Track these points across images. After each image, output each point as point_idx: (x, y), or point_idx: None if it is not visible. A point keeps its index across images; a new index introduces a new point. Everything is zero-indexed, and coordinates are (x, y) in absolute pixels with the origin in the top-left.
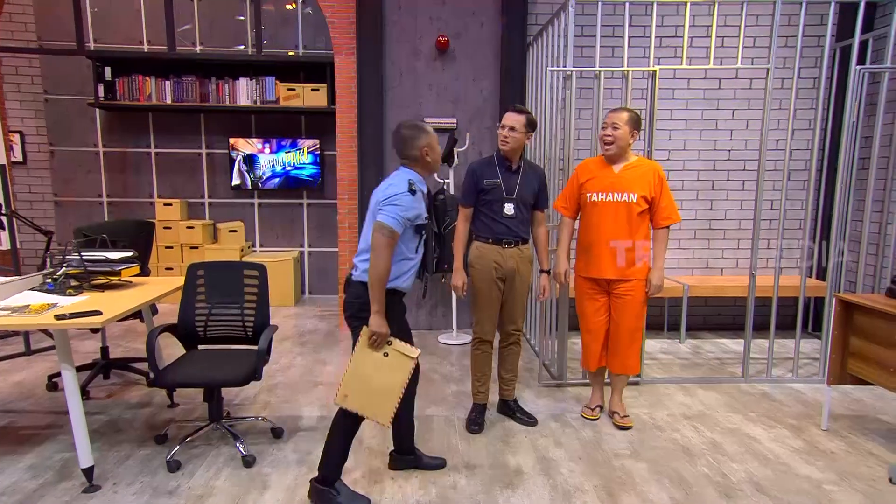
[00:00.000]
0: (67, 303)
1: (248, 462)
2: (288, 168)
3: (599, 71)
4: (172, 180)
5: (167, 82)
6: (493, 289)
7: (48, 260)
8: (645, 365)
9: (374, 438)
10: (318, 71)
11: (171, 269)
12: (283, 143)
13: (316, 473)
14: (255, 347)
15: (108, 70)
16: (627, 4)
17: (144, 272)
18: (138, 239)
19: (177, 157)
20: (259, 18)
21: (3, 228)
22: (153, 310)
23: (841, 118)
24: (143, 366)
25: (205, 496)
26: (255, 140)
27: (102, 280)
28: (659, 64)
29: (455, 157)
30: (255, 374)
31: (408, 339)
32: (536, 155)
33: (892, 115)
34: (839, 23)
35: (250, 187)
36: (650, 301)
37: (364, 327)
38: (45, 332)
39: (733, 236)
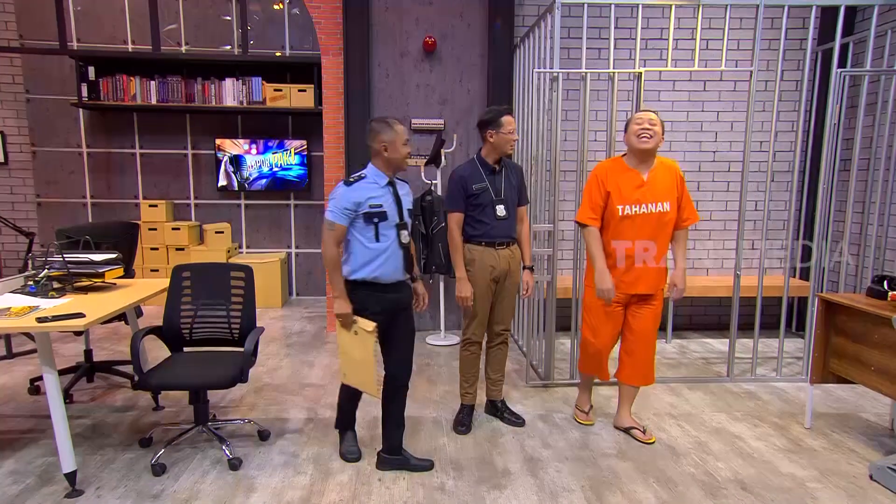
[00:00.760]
0: (49, 305)
1: (234, 465)
2: (275, 169)
3: (586, 73)
4: (158, 181)
5: (152, 82)
6: (487, 291)
7: (30, 262)
8: None
9: (362, 440)
10: (304, 72)
11: (157, 270)
12: (270, 143)
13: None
14: (241, 349)
15: (91, 70)
16: (613, 7)
17: (129, 274)
18: (123, 240)
19: (162, 157)
20: (245, 18)
21: None
22: (138, 312)
23: (823, 120)
24: (128, 368)
25: (190, 499)
26: (241, 141)
27: (86, 282)
28: (644, 66)
29: (443, 157)
30: (242, 377)
31: (401, 333)
32: (523, 157)
33: (871, 117)
34: (821, 26)
35: (237, 188)
36: None
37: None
38: (27, 334)
39: (718, 237)
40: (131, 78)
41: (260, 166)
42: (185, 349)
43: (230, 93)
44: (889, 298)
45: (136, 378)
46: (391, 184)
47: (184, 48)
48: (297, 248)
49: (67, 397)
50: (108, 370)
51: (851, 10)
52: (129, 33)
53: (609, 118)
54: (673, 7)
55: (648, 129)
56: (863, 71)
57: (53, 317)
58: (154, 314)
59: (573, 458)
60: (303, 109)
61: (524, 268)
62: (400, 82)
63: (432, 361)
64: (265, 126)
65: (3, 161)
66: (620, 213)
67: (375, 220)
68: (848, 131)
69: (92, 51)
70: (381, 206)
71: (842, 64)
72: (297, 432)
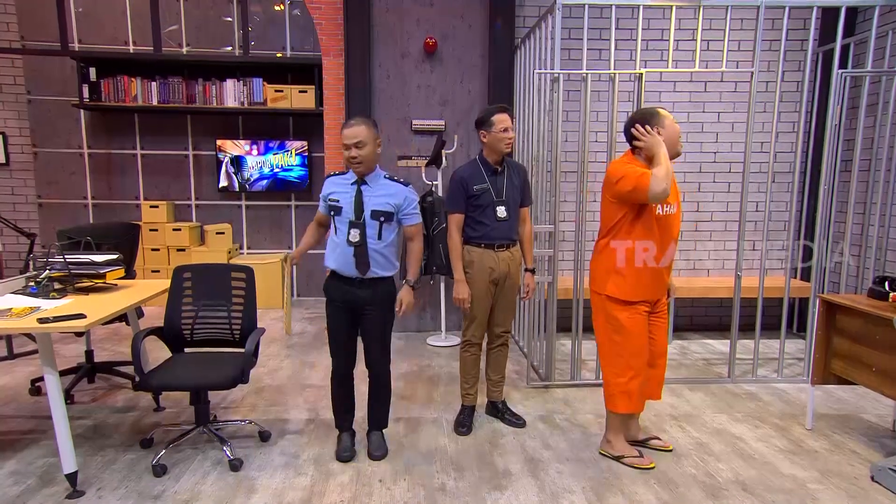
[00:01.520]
0: (51, 306)
1: (235, 466)
2: (276, 170)
3: (586, 74)
4: (159, 182)
5: (153, 83)
6: (486, 293)
7: (31, 263)
8: None
9: (362, 441)
10: (305, 72)
11: (158, 271)
12: (271, 144)
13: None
14: (242, 350)
15: (92, 71)
16: (614, 8)
17: (130, 275)
18: (123, 241)
19: (163, 158)
20: (246, 20)
21: None
22: (139, 313)
23: (824, 121)
24: (129, 369)
25: (191, 500)
26: (242, 142)
27: (87, 283)
28: (645, 67)
29: (444, 159)
30: (242, 377)
31: (368, 329)
32: (524, 157)
33: (873, 118)
34: (822, 27)
35: (238, 189)
36: None
37: None
38: (28, 335)
39: (719, 238)
40: (132, 79)
41: (261, 167)
42: (186, 350)
43: (231, 94)
44: (890, 299)
45: (137, 379)
46: (357, 183)
47: (185, 49)
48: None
49: (68, 398)
50: (109, 371)
51: (852, 11)
52: (130, 34)
53: (610, 119)
54: (674, 8)
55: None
56: (864, 72)
57: (55, 318)
58: (155, 315)
59: (574, 459)
60: (304, 110)
61: (525, 269)
62: (401, 83)
63: (433, 362)
64: (266, 127)
65: (4, 162)
66: (659, 212)
67: (332, 213)
68: (849, 132)
69: (93, 52)
70: (337, 201)
71: (843, 65)
72: (298, 433)
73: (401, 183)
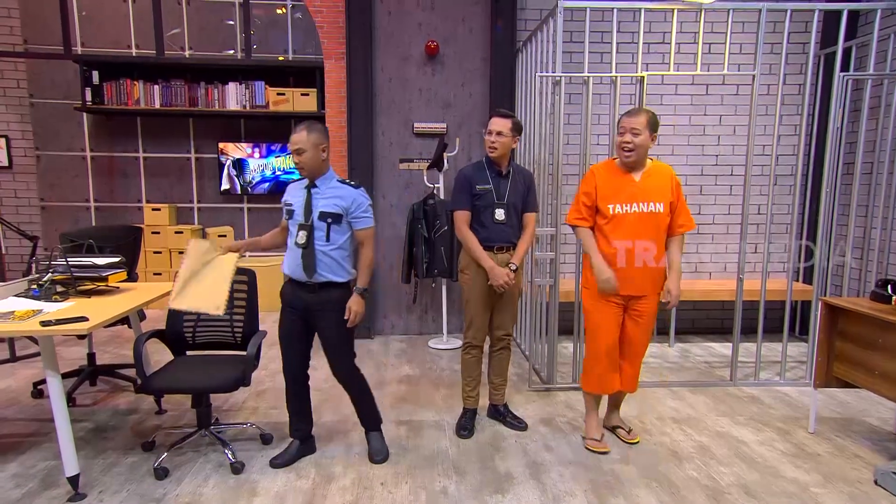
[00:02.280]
0: (53, 309)
1: (237, 469)
2: (277, 173)
3: (588, 76)
4: (161, 185)
5: (156, 87)
6: (484, 295)
7: (33, 265)
8: None
9: (364, 444)
10: (307, 76)
11: (160, 274)
12: (273, 147)
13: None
14: (243, 353)
15: (95, 74)
16: (615, 11)
17: (132, 278)
18: (126, 244)
19: (165, 161)
20: (248, 23)
21: None
22: (141, 315)
23: (826, 124)
24: (131, 372)
25: (192, 503)
26: (244, 144)
27: (89, 286)
28: (647, 70)
29: (445, 162)
30: (244, 380)
31: (323, 335)
32: (526, 160)
33: (874, 120)
34: (823, 30)
35: (240, 192)
36: None
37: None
38: (31, 338)
39: (721, 240)
40: (135, 82)
41: (263, 170)
42: (188, 353)
43: (233, 97)
44: (893, 303)
45: (139, 381)
46: (308, 187)
47: (187, 52)
48: None
49: (70, 401)
50: (110, 373)
51: (854, 14)
52: (133, 38)
53: (611, 122)
54: (675, 11)
55: (629, 143)
56: (866, 75)
57: (57, 320)
58: (157, 317)
59: (576, 462)
60: (305, 113)
61: (508, 263)
62: (402, 86)
63: (434, 365)
64: (268, 130)
65: (7, 165)
66: (611, 212)
67: (286, 217)
68: (851, 135)
69: (96, 55)
70: (291, 205)
71: (844, 68)
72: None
73: (352, 186)
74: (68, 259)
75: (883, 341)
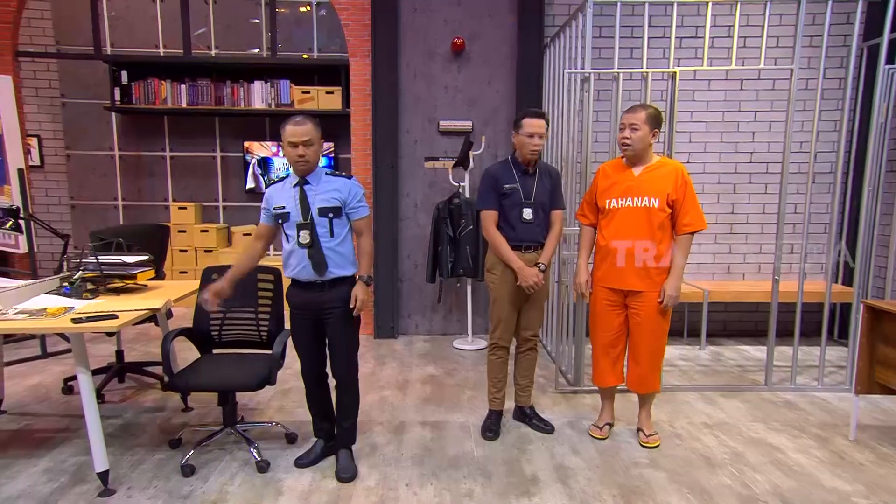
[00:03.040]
0: (83, 306)
1: (262, 467)
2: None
3: (618, 73)
4: (187, 184)
5: (182, 86)
6: (512, 295)
7: (65, 263)
8: (664, 372)
9: (389, 445)
10: (332, 74)
11: (186, 272)
12: None
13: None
14: (269, 352)
15: (124, 74)
16: (647, 5)
17: (159, 276)
18: (153, 242)
19: (191, 160)
20: (274, 21)
21: (21, 232)
22: (168, 313)
23: (868, 119)
24: (158, 369)
25: (218, 501)
26: (269, 143)
27: (118, 283)
28: (679, 65)
29: (471, 160)
30: (270, 379)
31: (334, 334)
32: (553, 158)
33: None
34: (866, 21)
35: (265, 190)
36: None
37: None
38: (62, 335)
39: (755, 241)
40: (162, 82)
41: (287, 168)
42: (214, 351)
43: (258, 95)
44: None
45: (166, 379)
46: (300, 184)
47: (213, 52)
48: None
49: (99, 397)
50: (138, 371)
51: None
52: (160, 38)
53: None
54: (709, 4)
55: (627, 138)
56: None
57: (88, 317)
58: (184, 316)
59: (604, 466)
60: (330, 111)
61: (535, 264)
62: (428, 84)
63: (459, 366)
64: None
65: (39, 164)
66: (607, 206)
67: (279, 220)
68: (895, 131)
69: (125, 55)
70: (283, 207)
71: (890, 60)
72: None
73: (343, 176)
74: (98, 257)
75: None
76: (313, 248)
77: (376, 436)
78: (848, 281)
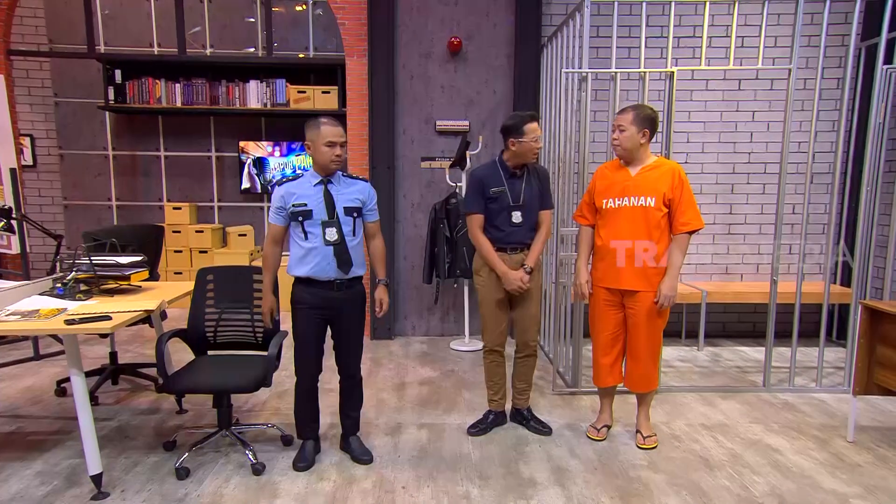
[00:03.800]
0: (77, 307)
1: (258, 470)
2: (298, 171)
3: (615, 73)
4: (182, 184)
5: (177, 85)
6: (498, 298)
7: (58, 264)
8: (662, 373)
9: (385, 447)
10: (328, 73)
11: (181, 273)
12: (294, 146)
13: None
14: (265, 353)
15: (118, 73)
16: (644, 4)
17: (154, 276)
18: (148, 243)
19: (186, 160)
20: (269, 21)
21: (14, 232)
22: (163, 315)
23: (866, 120)
24: (152, 371)
25: None
26: (265, 143)
27: (112, 284)
28: (677, 65)
29: (468, 160)
30: (265, 381)
31: (345, 329)
32: (550, 157)
33: None
34: (865, 21)
35: (260, 191)
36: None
37: None
38: (55, 336)
39: (753, 241)
40: (157, 81)
41: (283, 169)
42: (209, 352)
43: (254, 95)
44: None
45: (161, 381)
46: (323, 183)
47: (208, 51)
48: None
49: (93, 399)
50: (132, 373)
51: None
52: (155, 37)
53: None
54: (707, 3)
55: (615, 139)
56: None
57: (81, 319)
58: (178, 317)
59: (602, 468)
60: (327, 111)
61: (521, 265)
62: (425, 83)
63: (457, 367)
64: (289, 128)
65: (31, 164)
66: (604, 206)
67: (300, 218)
68: (893, 131)
69: (119, 54)
70: (305, 204)
71: (888, 60)
72: (321, 437)
73: (360, 179)
74: (92, 258)
75: None
76: (340, 245)
77: (373, 438)
78: (846, 282)
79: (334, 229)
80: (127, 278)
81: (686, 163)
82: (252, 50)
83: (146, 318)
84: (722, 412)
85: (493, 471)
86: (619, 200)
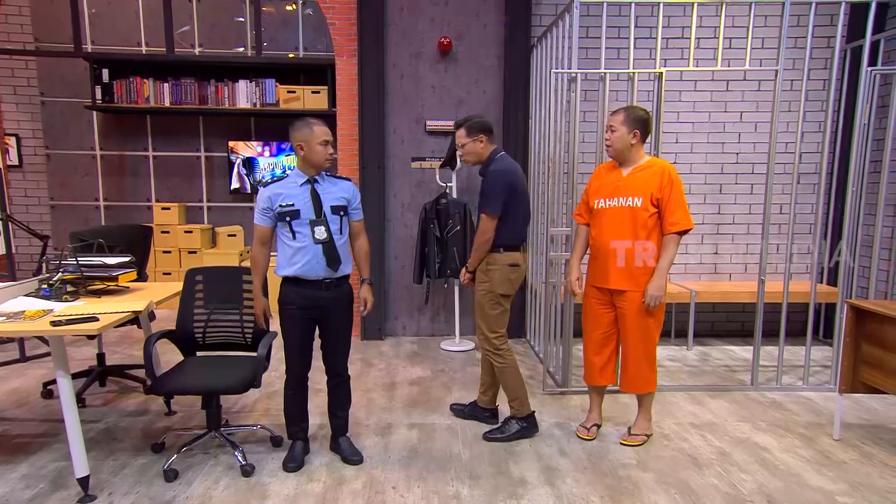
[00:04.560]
0: (63, 308)
1: (247, 471)
2: (288, 171)
3: (605, 73)
4: (170, 184)
5: (165, 84)
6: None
7: (44, 265)
8: None
9: (375, 447)
10: (318, 73)
11: (169, 273)
12: (283, 146)
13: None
14: (254, 354)
15: (105, 72)
16: (633, 5)
17: (142, 277)
18: (136, 243)
19: (175, 160)
20: (259, 20)
21: None
22: (151, 316)
23: (852, 120)
24: (140, 373)
25: None
26: (254, 143)
27: (99, 285)
28: (665, 66)
29: (458, 160)
30: (255, 382)
31: (334, 329)
32: (540, 158)
33: None
34: (850, 23)
35: (249, 191)
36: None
37: None
38: (41, 338)
39: (741, 241)
40: (145, 80)
41: (273, 168)
42: (198, 353)
43: (243, 95)
44: None
45: (149, 382)
46: (309, 182)
47: (197, 50)
48: None
49: (80, 401)
50: (120, 374)
51: (883, 6)
52: (142, 35)
53: None
54: (695, 5)
55: (607, 139)
56: (895, 69)
57: (67, 320)
58: (167, 318)
59: (591, 467)
60: (316, 111)
61: (464, 265)
62: (415, 83)
63: (447, 367)
64: (278, 128)
65: (17, 164)
66: (595, 207)
67: (287, 218)
68: (878, 132)
69: (106, 53)
70: (292, 204)
71: (872, 62)
72: (310, 438)
73: (344, 178)
74: (79, 258)
75: None
76: (329, 243)
77: (363, 438)
78: (833, 281)
79: (323, 227)
80: (114, 279)
81: (675, 163)
82: (241, 49)
83: (134, 320)
84: (710, 411)
85: (483, 470)
86: (609, 201)
